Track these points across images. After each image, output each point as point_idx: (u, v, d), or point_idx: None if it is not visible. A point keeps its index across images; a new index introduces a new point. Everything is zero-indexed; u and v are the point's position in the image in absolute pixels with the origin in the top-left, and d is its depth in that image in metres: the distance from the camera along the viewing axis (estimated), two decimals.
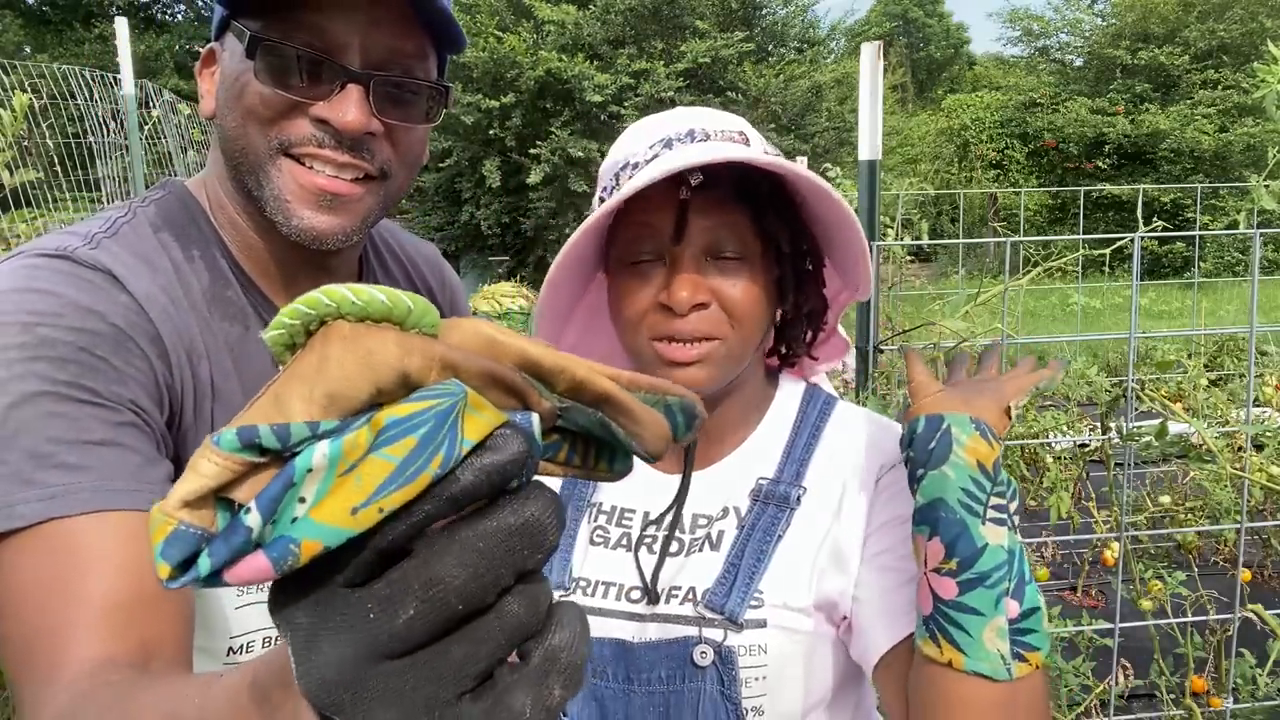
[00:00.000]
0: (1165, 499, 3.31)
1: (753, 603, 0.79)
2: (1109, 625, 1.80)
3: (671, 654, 0.80)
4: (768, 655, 0.79)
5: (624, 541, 0.88)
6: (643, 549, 0.86)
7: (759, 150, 0.81)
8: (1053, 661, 1.93)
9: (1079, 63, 16.96)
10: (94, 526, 0.62)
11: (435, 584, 0.31)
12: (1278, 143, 2.01)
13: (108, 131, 4.90)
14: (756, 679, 0.79)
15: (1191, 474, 3.29)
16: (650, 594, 0.83)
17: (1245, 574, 2.66)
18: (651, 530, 0.87)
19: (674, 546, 0.85)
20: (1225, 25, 14.56)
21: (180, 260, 0.80)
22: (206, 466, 0.31)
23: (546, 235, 10.13)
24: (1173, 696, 1.94)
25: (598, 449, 0.40)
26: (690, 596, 0.82)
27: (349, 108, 0.76)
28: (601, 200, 0.84)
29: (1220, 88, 14.47)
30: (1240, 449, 2.96)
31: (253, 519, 0.30)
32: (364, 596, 0.31)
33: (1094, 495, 3.29)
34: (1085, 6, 16.67)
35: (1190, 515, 3.12)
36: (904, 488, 0.79)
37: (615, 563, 0.87)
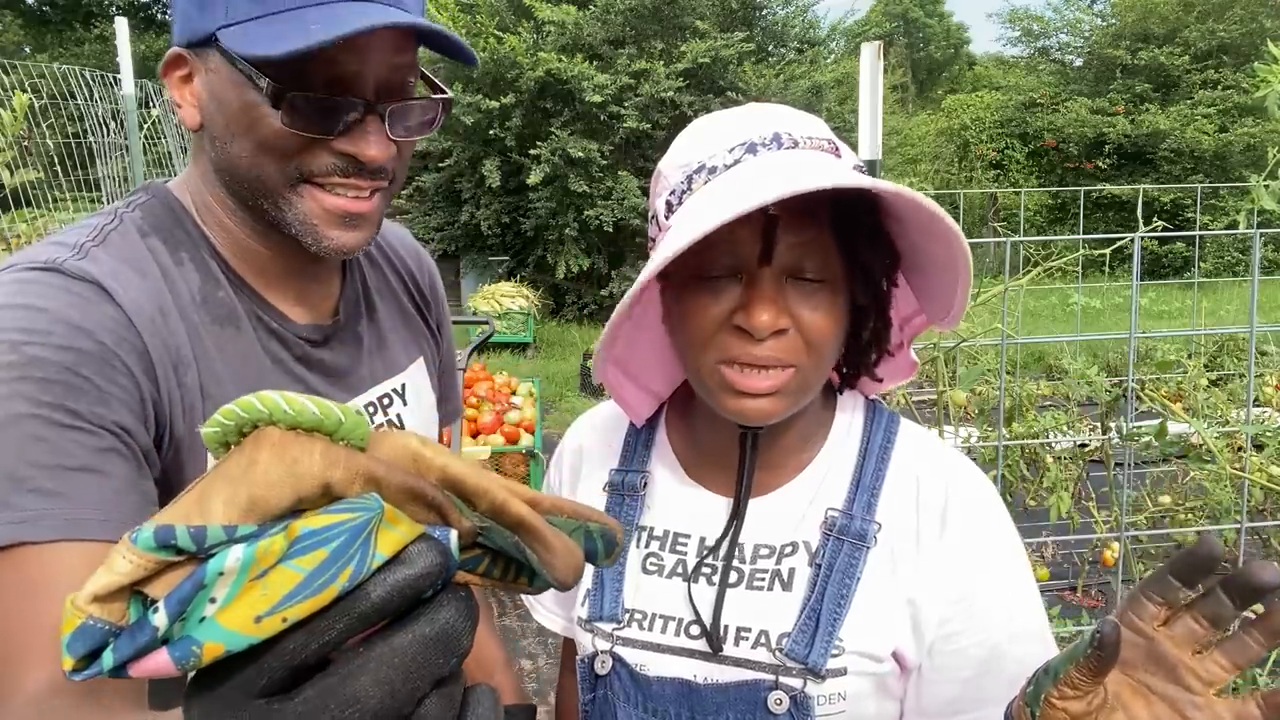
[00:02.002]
0: (1165, 499, 3.31)
1: (834, 651, 0.75)
2: None
3: (742, 697, 0.76)
4: (845, 701, 0.76)
5: (679, 570, 0.83)
6: (700, 580, 0.81)
7: (849, 163, 0.75)
8: None
9: (1079, 63, 16.96)
10: (61, 554, 0.63)
11: (351, 704, 0.31)
12: (1278, 143, 2.01)
13: (108, 131, 4.91)
14: None
15: (1191, 474, 3.29)
16: (714, 635, 0.78)
17: None
18: (710, 560, 0.82)
19: (732, 577, 0.81)
20: (1225, 25, 14.55)
21: (169, 265, 0.80)
22: (121, 564, 0.32)
23: (546, 235, 10.12)
24: None
25: (519, 564, 0.40)
26: (764, 641, 0.77)
27: (371, 141, 0.78)
28: (669, 205, 0.76)
29: (1220, 88, 14.47)
30: (1240, 449, 2.96)
31: (159, 619, 0.31)
32: (281, 711, 0.31)
33: (1094, 495, 3.29)
34: (1085, 6, 16.68)
35: (1190, 515, 3.12)
36: (972, 534, 0.78)
37: (671, 594, 0.82)
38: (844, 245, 0.73)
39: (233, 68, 0.75)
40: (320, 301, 0.92)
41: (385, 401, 0.98)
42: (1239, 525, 1.83)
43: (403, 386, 1.01)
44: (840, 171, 0.69)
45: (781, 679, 0.75)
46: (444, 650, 0.33)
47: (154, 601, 0.32)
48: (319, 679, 0.32)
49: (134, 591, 0.32)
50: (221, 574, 0.31)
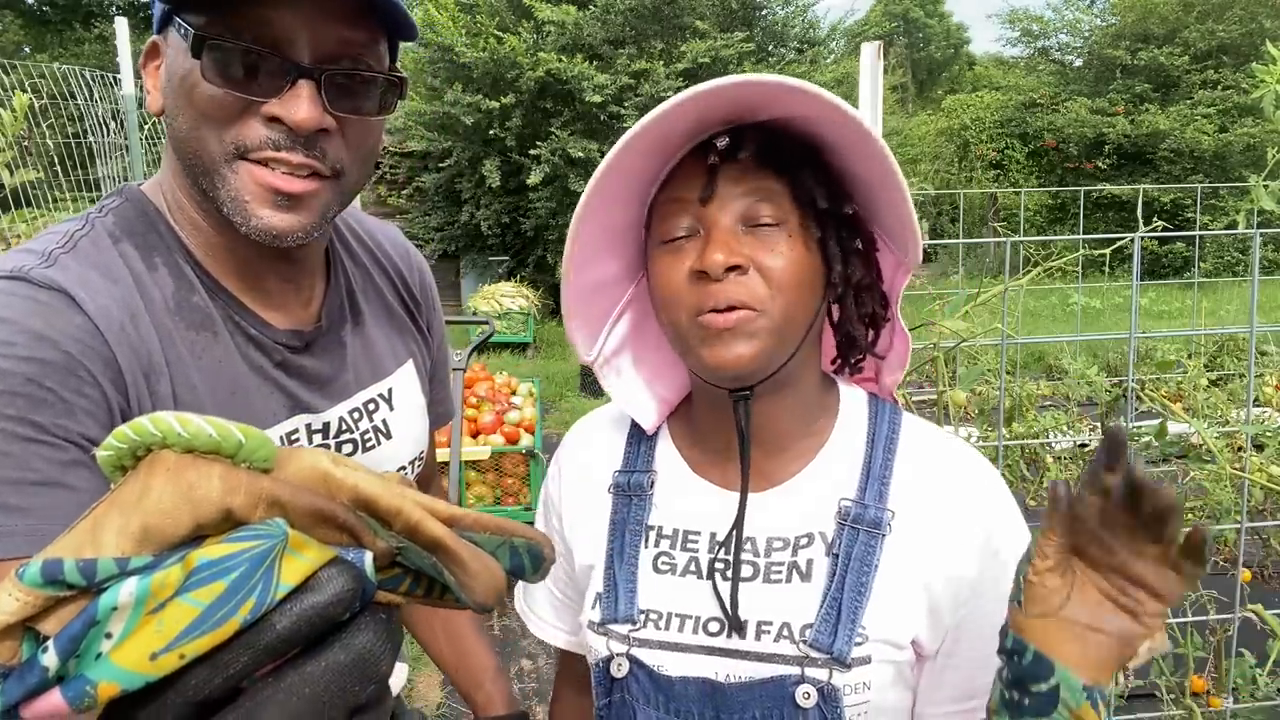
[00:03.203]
0: None
1: (857, 639, 0.75)
2: None
3: (768, 694, 0.76)
4: (871, 690, 0.76)
5: (693, 568, 0.83)
6: (716, 575, 0.81)
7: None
8: None
9: (1079, 63, 16.96)
10: None
11: None
12: (1277, 143, 2.01)
13: (108, 131, 4.90)
14: (860, 715, 0.76)
15: (1191, 474, 3.29)
16: (735, 627, 0.78)
17: (1245, 574, 2.66)
18: (724, 555, 0.81)
19: (746, 571, 0.80)
20: (1225, 26, 14.54)
21: (141, 271, 0.78)
22: (7, 602, 0.30)
23: (546, 235, 10.12)
24: (1173, 696, 1.94)
25: (439, 580, 0.39)
26: (786, 633, 0.77)
27: (301, 104, 0.74)
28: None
29: (1220, 88, 14.46)
30: (1240, 449, 2.96)
31: (49, 658, 0.29)
32: None
33: None
34: (1085, 7, 16.68)
35: (1190, 515, 3.12)
36: (981, 518, 0.80)
37: (686, 591, 0.82)
38: (795, 190, 0.76)
39: (181, 39, 0.74)
40: (301, 306, 0.90)
41: (370, 407, 0.96)
42: (1239, 525, 1.83)
43: (389, 391, 0.99)
44: (752, 76, 0.70)
45: (807, 671, 0.75)
46: (360, 677, 0.32)
47: (46, 639, 0.30)
48: (227, 712, 0.30)
49: (27, 629, 0.31)
50: (115, 609, 0.30)
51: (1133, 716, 1.96)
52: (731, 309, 0.74)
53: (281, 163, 0.76)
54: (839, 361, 0.88)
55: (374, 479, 0.37)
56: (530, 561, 0.41)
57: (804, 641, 0.76)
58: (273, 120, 0.75)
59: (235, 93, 0.73)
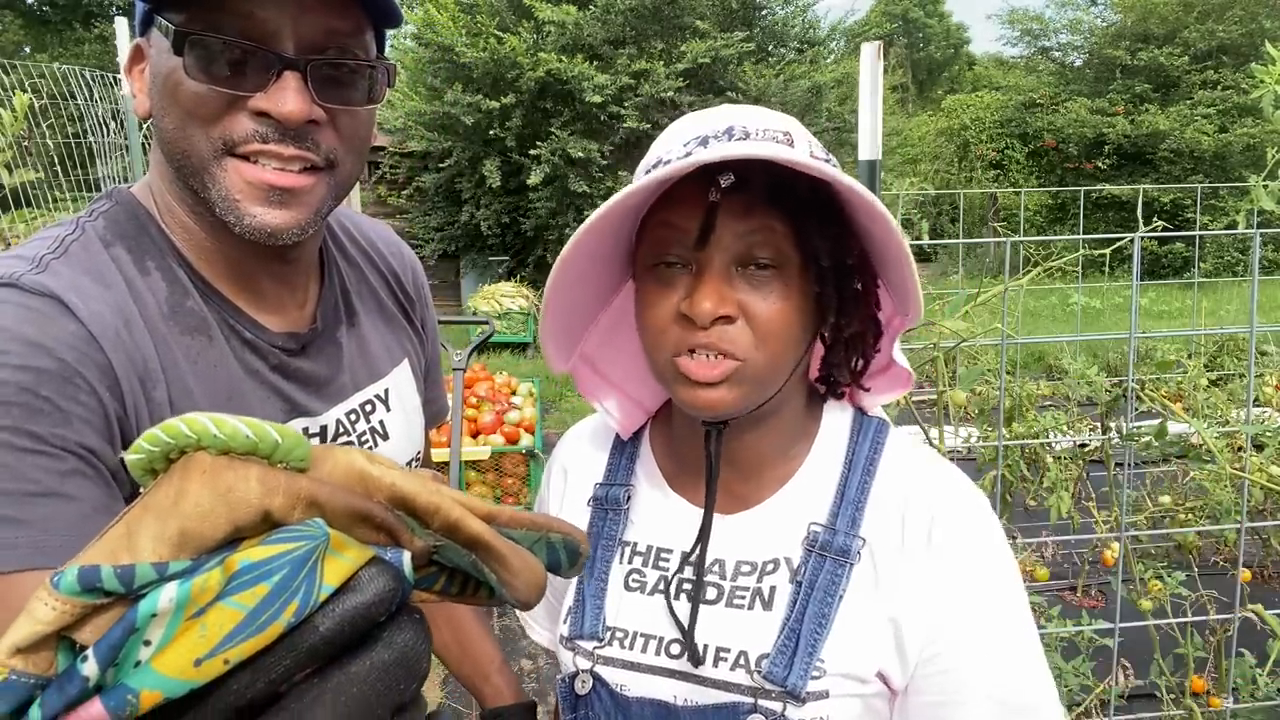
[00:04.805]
0: (1165, 499, 3.31)
1: (814, 673, 0.72)
2: (1109, 625, 1.80)
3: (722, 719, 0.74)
4: None
5: (661, 586, 0.81)
6: (681, 596, 0.79)
7: (804, 151, 0.72)
8: (1052, 661, 1.93)
9: (1079, 63, 16.96)
10: (28, 585, 0.61)
11: None
12: (1277, 143, 2.01)
13: (108, 131, 4.90)
14: None
15: (1191, 474, 3.29)
16: (692, 652, 0.76)
17: (1245, 574, 2.66)
18: (688, 574, 0.79)
19: (710, 594, 0.78)
20: (1225, 26, 14.55)
21: (134, 275, 0.77)
22: (43, 611, 0.29)
23: (546, 235, 10.12)
24: (1173, 696, 1.94)
25: (478, 578, 0.38)
26: (742, 662, 0.75)
27: (288, 97, 0.72)
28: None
29: (1220, 88, 14.46)
30: (1240, 449, 2.96)
31: (89, 668, 0.29)
32: None
33: (1094, 495, 3.29)
34: (1084, 6, 16.68)
35: (1190, 515, 3.12)
36: (959, 553, 0.75)
37: (653, 611, 0.80)
38: (797, 234, 0.72)
39: (164, 39, 0.72)
40: (296, 308, 0.88)
41: (368, 408, 0.95)
42: (1239, 525, 1.83)
43: (386, 392, 0.98)
44: (769, 150, 0.68)
45: (760, 702, 0.73)
46: (404, 675, 0.32)
47: (84, 649, 0.29)
48: (271, 715, 0.30)
49: (62, 638, 0.30)
50: (154, 616, 0.29)
51: (1133, 716, 1.96)
52: (716, 355, 0.71)
53: (272, 156, 0.74)
54: (821, 384, 0.85)
55: (411, 477, 0.36)
56: (567, 556, 0.40)
57: (758, 672, 0.73)
58: (260, 114, 0.73)
59: (220, 88, 0.72)
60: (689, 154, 0.70)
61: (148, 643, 0.29)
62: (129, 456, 0.33)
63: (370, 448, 0.96)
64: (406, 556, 0.34)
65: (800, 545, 0.77)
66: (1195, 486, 3.35)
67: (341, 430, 0.92)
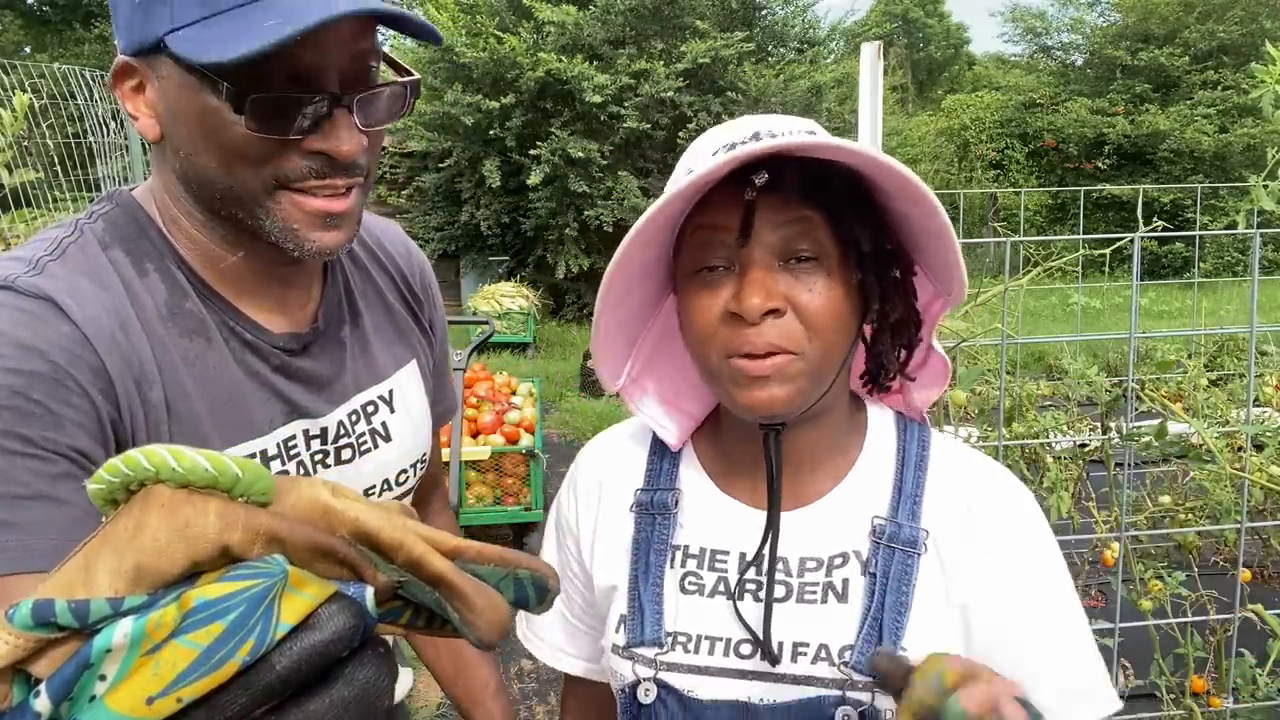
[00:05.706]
0: (1165, 499, 3.31)
1: None
2: (1109, 625, 1.80)
3: (806, 715, 0.74)
4: None
5: (721, 588, 0.80)
6: (746, 597, 0.79)
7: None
8: None
9: (1079, 62, 16.96)
10: (17, 589, 0.61)
11: None
12: (1277, 143, 2.01)
13: (108, 131, 4.90)
14: None
15: (1191, 474, 3.29)
16: (767, 651, 0.76)
17: (1245, 574, 2.66)
18: (752, 574, 0.79)
19: (780, 591, 0.78)
20: (1225, 26, 14.55)
21: (132, 277, 0.77)
22: None
23: (546, 235, 10.12)
24: (1173, 696, 1.94)
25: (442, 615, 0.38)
26: (824, 655, 0.75)
27: (342, 136, 0.75)
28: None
29: (1220, 88, 14.47)
30: (1240, 449, 2.96)
31: (41, 703, 0.29)
32: None
33: (1094, 495, 3.29)
34: (1085, 6, 16.68)
35: (1190, 515, 3.12)
36: (1015, 540, 0.78)
37: (716, 613, 0.80)
38: (834, 224, 0.73)
39: (186, 73, 0.71)
40: (298, 308, 0.88)
41: (370, 409, 0.95)
42: (1239, 525, 1.83)
43: (389, 393, 0.97)
44: (800, 139, 0.70)
45: (848, 693, 0.73)
46: (364, 712, 0.32)
47: (39, 682, 0.29)
48: None
49: (17, 671, 0.30)
50: (109, 651, 0.29)
51: (1133, 716, 1.96)
52: (768, 354, 0.72)
53: (327, 188, 0.77)
54: (867, 379, 0.85)
55: (375, 511, 0.36)
56: (535, 593, 0.40)
57: (844, 663, 0.74)
58: (314, 153, 0.75)
59: (276, 137, 0.73)
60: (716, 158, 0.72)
61: (103, 678, 0.29)
62: (90, 486, 0.33)
63: (370, 449, 0.95)
64: (369, 592, 0.34)
65: (866, 538, 0.78)
66: (1195, 486, 3.35)
67: (341, 432, 0.92)
